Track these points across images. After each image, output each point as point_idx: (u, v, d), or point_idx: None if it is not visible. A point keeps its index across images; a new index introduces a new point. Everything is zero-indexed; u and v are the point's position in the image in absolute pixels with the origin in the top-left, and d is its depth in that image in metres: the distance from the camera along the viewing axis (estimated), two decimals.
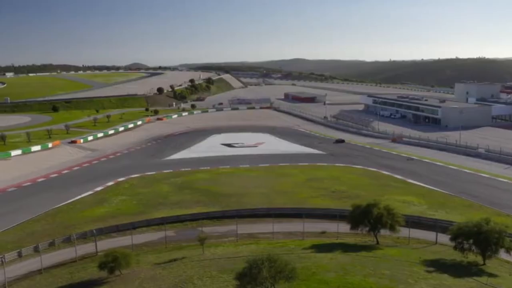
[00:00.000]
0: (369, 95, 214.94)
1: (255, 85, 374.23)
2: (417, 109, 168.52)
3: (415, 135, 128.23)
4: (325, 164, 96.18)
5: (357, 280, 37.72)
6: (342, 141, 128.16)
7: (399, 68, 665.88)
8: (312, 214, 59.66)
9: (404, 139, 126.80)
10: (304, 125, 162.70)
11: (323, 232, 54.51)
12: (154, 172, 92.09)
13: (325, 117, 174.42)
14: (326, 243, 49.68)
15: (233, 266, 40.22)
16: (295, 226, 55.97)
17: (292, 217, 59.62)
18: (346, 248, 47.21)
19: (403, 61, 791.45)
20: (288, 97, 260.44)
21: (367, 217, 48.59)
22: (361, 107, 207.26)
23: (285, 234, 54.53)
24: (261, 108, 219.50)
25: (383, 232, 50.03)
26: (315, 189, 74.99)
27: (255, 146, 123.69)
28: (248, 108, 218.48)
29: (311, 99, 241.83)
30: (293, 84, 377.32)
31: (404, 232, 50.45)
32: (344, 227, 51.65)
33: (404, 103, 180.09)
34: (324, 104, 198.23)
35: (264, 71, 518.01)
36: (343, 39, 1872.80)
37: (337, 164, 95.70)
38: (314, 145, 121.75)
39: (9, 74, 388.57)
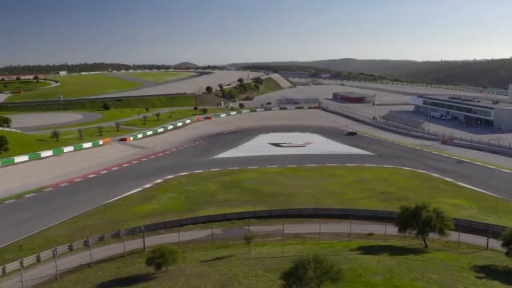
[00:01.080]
0: (419, 96, 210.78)
1: (304, 85, 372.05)
2: (469, 110, 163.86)
3: (467, 137, 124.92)
4: (373, 165, 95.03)
5: (404, 283, 37.04)
6: (354, 133, 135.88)
7: (450, 68, 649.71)
8: (360, 216, 59.23)
9: (455, 141, 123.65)
10: (352, 126, 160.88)
11: (370, 234, 53.92)
12: (202, 171, 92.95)
13: (374, 117, 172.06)
14: (373, 245, 49.01)
15: (278, 265, 40.16)
16: (342, 227, 55.54)
17: (339, 218, 59.17)
18: (394, 251, 46.43)
19: (454, 61, 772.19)
20: (337, 97, 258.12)
21: (415, 220, 47.69)
22: (411, 108, 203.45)
23: (331, 235, 54.19)
24: (309, 108, 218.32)
25: (432, 235, 49.03)
26: (362, 190, 74.25)
27: (303, 146, 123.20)
28: (297, 108, 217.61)
29: (360, 99, 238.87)
30: (342, 84, 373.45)
31: (453, 236, 49.24)
32: (392, 229, 50.89)
33: (455, 104, 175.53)
34: (373, 104, 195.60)
35: (313, 71, 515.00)
36: (393, 39, 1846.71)
37: (385, 166, 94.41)
38: (362, 145, 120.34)
39: (63, 73, 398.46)
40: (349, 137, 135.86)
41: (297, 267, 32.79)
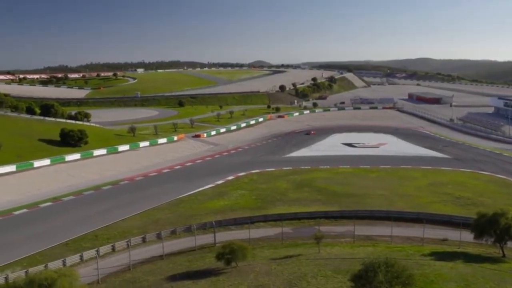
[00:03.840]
0: (500, 97, 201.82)
1: (378, 84, 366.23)
2: None
3: None
4: (449, 168, 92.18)
5: None
6: (309, 133, 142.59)
7: None
8: (433, 220, 57.80)
9: None
10: (428, 127, 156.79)
11: (444, 240, 52.41)
12: (273, 169, 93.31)
13: (451, 119, 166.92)
14: (446, 251, 47.61)
15: (348, 267, 39.80)
16: (414, 231, 54.35)
17: (412, 221, 58.05)
18: (468, 258, 44.88)
19: None
20: (412, 98, 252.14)
21: (493, 227, 45.73)
22: (490, 110, 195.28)
23: (403, 238, 53.13)
24: (383, 108, 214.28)
25: (510, 244, 47.01)
26: (437, 194, 72.26)
27: (376, 146, 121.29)
28: (371, 108, 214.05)
29: (437, 100, 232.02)
30: (418, 84, 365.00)
31: None
32: (467, 236, 49.01)
33: None
34: (451, 105, 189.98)
35: (388, 71, 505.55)
36: (472, 37, 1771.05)
37: (462, 169, 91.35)
38: (438, 148, 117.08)
39: (140, 70, 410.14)
40: (425, 139, 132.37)
41: (367, 270, 32.30)
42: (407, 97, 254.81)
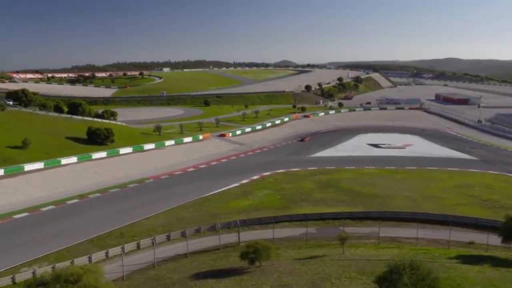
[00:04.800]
0: None
1: (405, 85, 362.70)
2: None
3: None
4: (477, 170, 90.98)
5: None
6: (304, 139, 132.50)
7: None
8: (460, 223, 57.10)
9: None
10: (455, 128, 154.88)
11: (471, 243, 51.68)
12: (298, 169, 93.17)
13: (479, 120, 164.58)
14: (473, 254, 46.81)
15: (373, 269, 39.43)
16: (440, 233, 53.75)
17: (438, 223, 57.47)
18: (496, 262, 44.04)
19: None
20: (439, 98, 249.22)
21: None
22: None
23: (429, 241, 52.55)
24: (410, 108, 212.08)
25: None
26: (464, 196, 71.31)
27: (402, 147, 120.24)
28: (397, 109, 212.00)
29: (464, 101, 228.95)
30: (445, 85, 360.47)
31: None
32: (495, 239, 48.28)
33: None
34: (479, 106, 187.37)
35: (415, 71, 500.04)
36: (501, 37, 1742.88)
37: (490, 172, 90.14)
38: (465, 150, 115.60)
39: (166, 69, 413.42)
40: (452, 140, 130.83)
41: (392, 272, 31.87)
42: (434, 98, 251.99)
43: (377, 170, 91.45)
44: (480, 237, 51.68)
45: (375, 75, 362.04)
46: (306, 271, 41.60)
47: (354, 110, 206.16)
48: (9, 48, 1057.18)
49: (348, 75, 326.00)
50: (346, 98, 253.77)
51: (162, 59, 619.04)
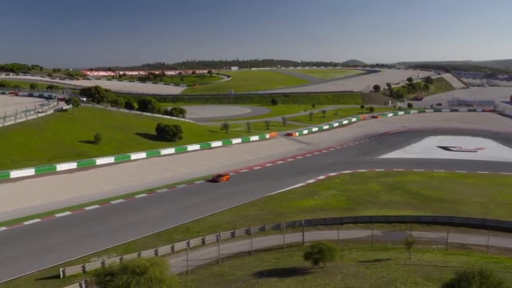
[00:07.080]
0: None
1: (478, 86, 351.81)
2: None
3: None
4: None
5: None
6: (216, 180, 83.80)
7: None
8: None
9: None
10: None
11: None
12: (365, 170, 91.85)
13: None
14: None
15: (440, 275, 38.20)
16: None
17: (511, 231, 54.90)
18: None
19: None
20: None
21: None
22: None
23: (501, 249, 50.27)
24: (483, 111, 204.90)
25: None
26: None
27: (474, 151, 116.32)
28: (469, 111, 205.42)
29: None
30: None
31: None
32: None
33: None
34: None
35: (489, 71, 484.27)
36: None
37: None
38: None
39: (234, 68, 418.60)
40: None
41: (460, 280, 30.54)
42: (509, 100, 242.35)
43: (446, 174, 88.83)
44: None
45: (447, 76, 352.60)
46: (371, 274, 40.81)
47: (424, 111, 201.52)
48: (83, 46, 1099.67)
49: (418, 76, 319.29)
50: (415, 99, 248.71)
51: (230, 58, 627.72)
